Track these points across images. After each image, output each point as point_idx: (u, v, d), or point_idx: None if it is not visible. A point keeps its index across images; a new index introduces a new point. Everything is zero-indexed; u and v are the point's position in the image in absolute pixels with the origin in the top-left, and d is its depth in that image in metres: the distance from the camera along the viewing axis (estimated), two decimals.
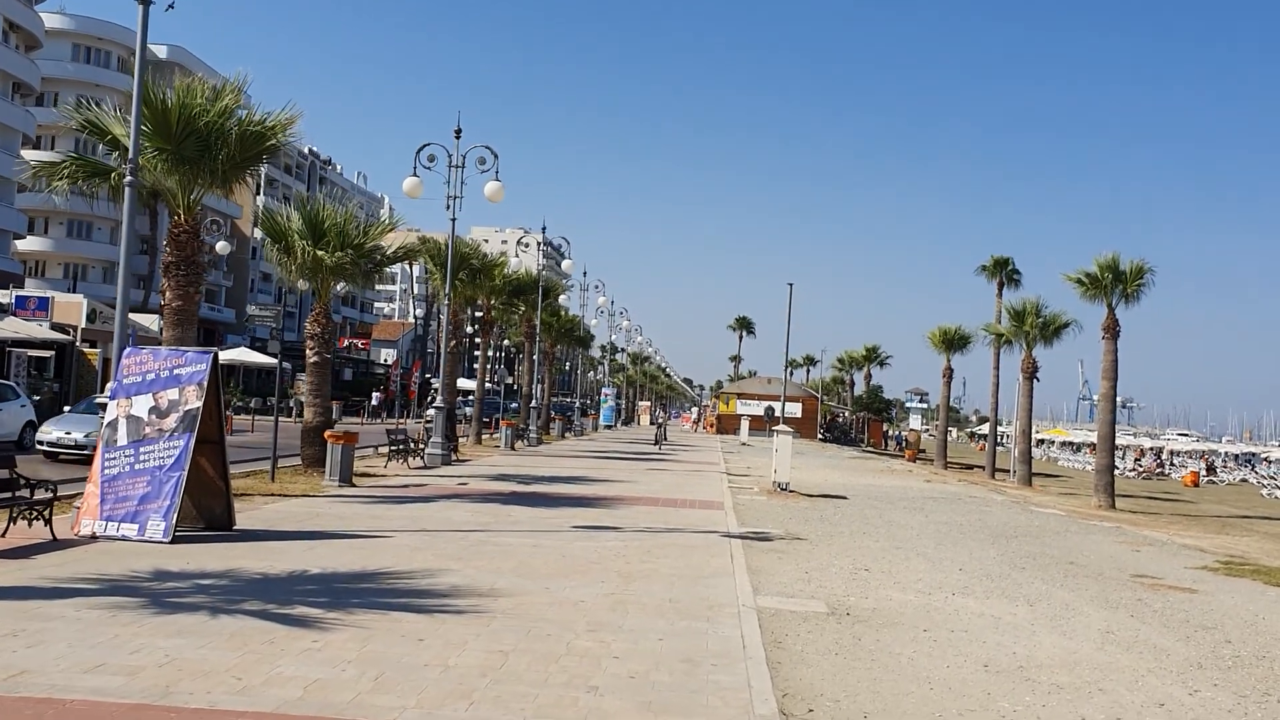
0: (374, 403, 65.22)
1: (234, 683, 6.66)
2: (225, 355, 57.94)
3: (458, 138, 28.73)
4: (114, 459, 12.80)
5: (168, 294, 17.89)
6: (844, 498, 25.18)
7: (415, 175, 27.74)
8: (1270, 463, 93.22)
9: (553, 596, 10.22)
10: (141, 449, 12.80)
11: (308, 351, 23.29)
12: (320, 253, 22.20)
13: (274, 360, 63.65)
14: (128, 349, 13.58)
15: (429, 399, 49.20)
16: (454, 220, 28.59)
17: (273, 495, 18.22)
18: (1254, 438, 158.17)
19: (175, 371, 13.24)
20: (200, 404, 13.00)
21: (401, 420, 58.29)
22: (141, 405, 13.06)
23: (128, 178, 13.74)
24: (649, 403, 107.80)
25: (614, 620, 9.26)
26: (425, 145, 28.16)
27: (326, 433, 21.17)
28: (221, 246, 42.95)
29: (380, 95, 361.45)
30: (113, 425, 13.01)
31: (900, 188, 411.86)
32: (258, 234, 60.44)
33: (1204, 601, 12.79)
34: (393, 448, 26.11)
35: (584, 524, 16.32)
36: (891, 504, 24.49)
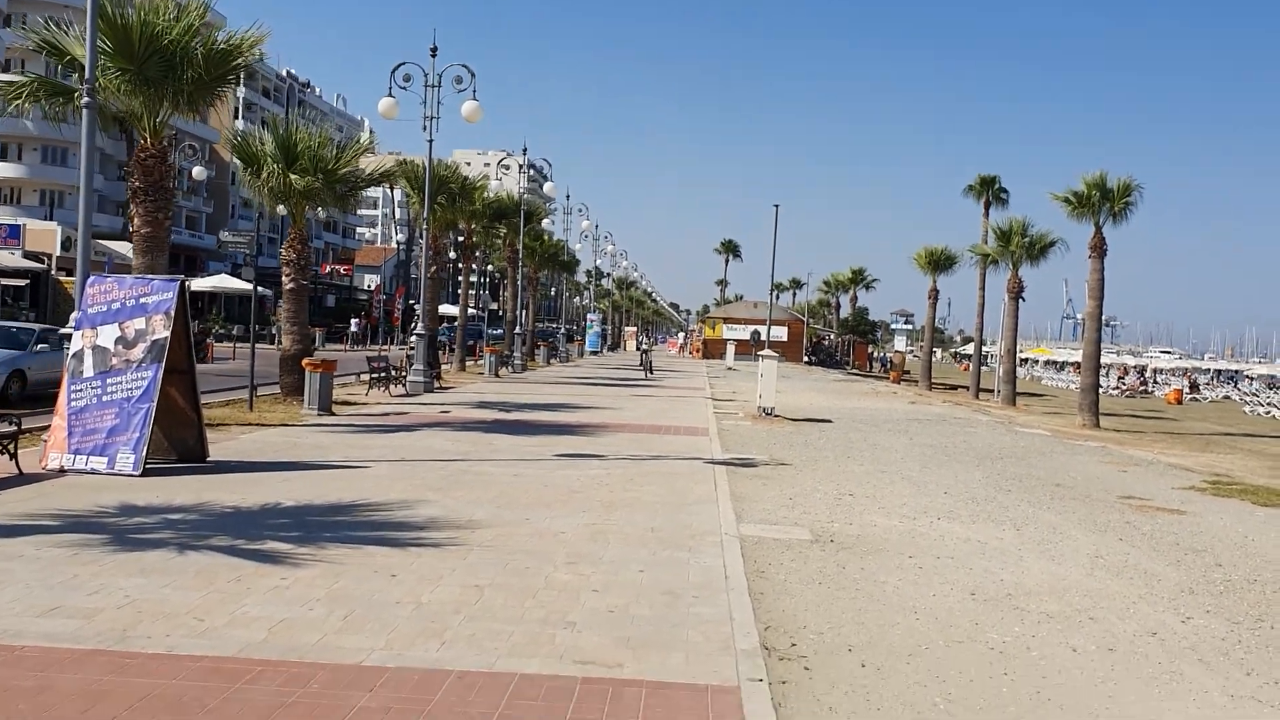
0: (354, 330, 64.37)
1: (195, 624, 6.40)
2: (206, 283, 57.39)
3: (434, 56, 27.99)
4: (80, 391, 12.45)
5: (136, 220, 17.43)
6: (829, 421, 25.03)
7: (391, 96, 27.12)
8: (1252, 379, 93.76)
9: (532, 528, 9.99)
10: (108, 380, 12.45)
11: (284, 278, 22.84)
12: (293, 176, 21.63)
13: (262, 289, 63.35)
14: (92, 277, 13.16)
15: (412, 325, 48.75)
16: (431, 142, 27.95)
17: (250, 425, 17.93)
18: (1236, 355, 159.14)
19: (141, 300, 12.84)
20: (168, 333, 12.64)
21: (385, 347, 57.89)
22: (107, 335, 12.68)
23: (84, 99, 13.18)
24: (635, 328, 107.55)
25: (594, 551, 9.04)
26: (401, 64, 27.50)
27: (304, 360, 20.83)
28: (198, 172, 42.01)
29: (359, 16, 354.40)
30: (78, 356, 12.63)
31: (888, 110, 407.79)
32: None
33: (1193, 523, 12.67)
34: (374, 375, 25.78)
35: (567, 452, 16.09)
36: (876, 427, 24.36)
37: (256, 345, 22.19)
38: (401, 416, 20.74)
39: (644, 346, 48.47)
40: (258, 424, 18.20)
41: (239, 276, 64.37)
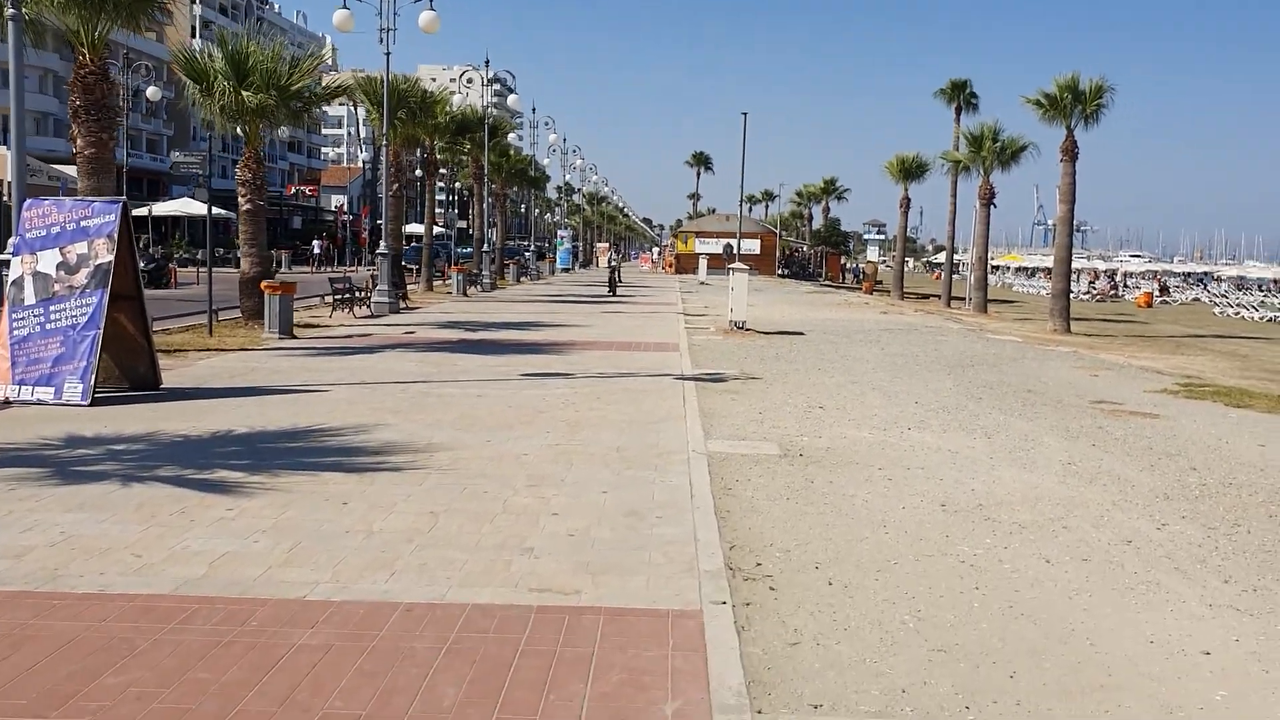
0: (316, 251, 63.04)
1: (132, 561, 6.10)
2: (169, 207, 56.19)
3: None
4: (22, 319, 11.99)
5: (79, 141, 16.83)
6: (800, 334, 24.80)
7: (346, 8, 26.25)
8: (1221, 280, 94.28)
9: (494, 450, 9.71)
10: (51, 308, 11.99)
11: (240, 199, 22.23)
12: (245, 94, 20.89)
13: (221, 211, 61.89)
14: (28, 200, 12.61)
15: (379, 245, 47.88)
16: (388, 55, 27.19)
17: (208, 350, 17.52)
18: (1205, 257, 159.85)
19: (82, 224, 12.33)
20: (112, 258, 12.16)
21: (353, 268, 57.11)
22: (48, 261, 12.19)
23: (10, 11, 12.50)
24: (607, 244, 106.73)
25: (557, 473, 8.77)
26: None
27: (263, 283, 20.33)
28: (152, 92, 41.01)
29: None
30: (18, 284, 12.15)
31: (856, 18, 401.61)
32: None
33: (1166, 427, 12.53)
34: (337, 297, 25.29)
35: (533, 371, 15.79)
36: (848, 338, 24.16)
37: (218, 269, 21.65)
38: (365, 338, 20.34)
39: (613, 262, 45.79)
40: (216, 349, 17.79)
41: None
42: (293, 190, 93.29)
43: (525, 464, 9.09)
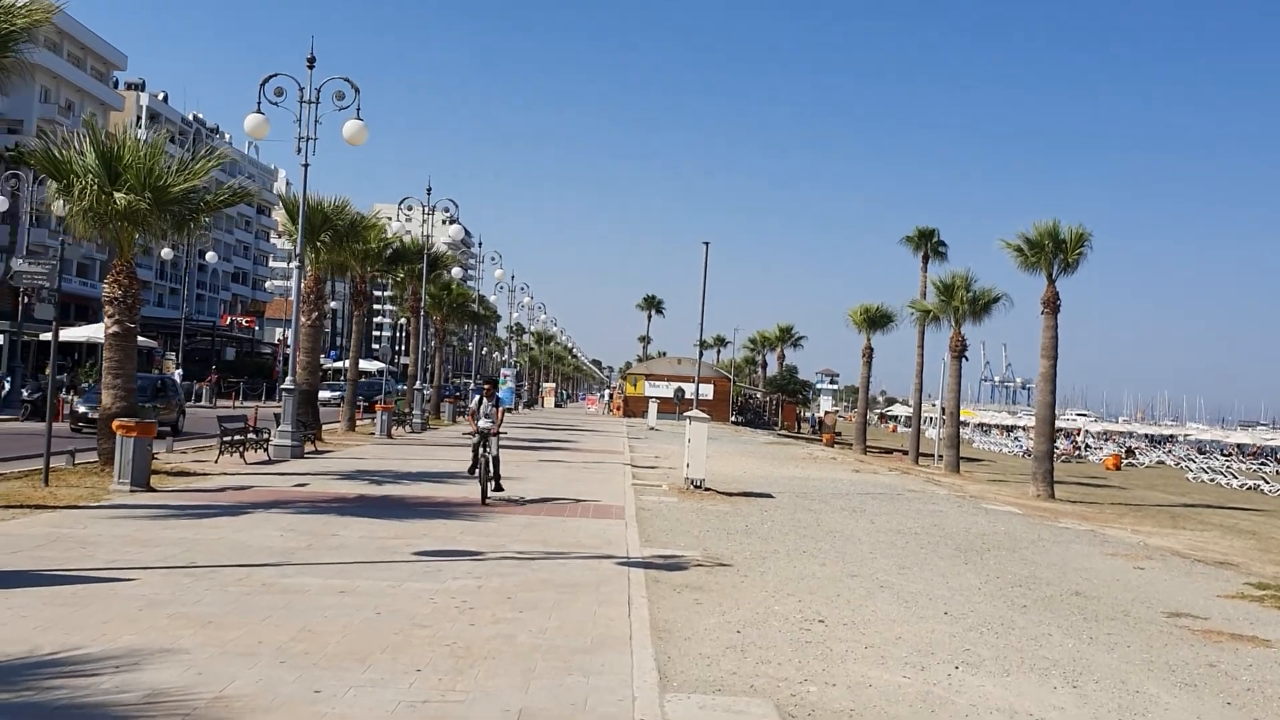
0: (196, 386, 53.56)
1: None
2: (79, 332, 51.68)
3: (311, 68, 24.11)
4: None
5: None
6: (769, 495, 21.23)
7: (260, 112, 23.12)
8: (1184, 443, 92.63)
9: (315, 715, 5.95)
10: None
11: (106, 320, 18.57)
12: (117, 194, 17.45)
13: (149, 340, 57.62)
14: None
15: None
16: (305, 166, 23.99)
17: (24, 507, 13.61)
18: (1147, 418, 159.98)
19: None
20: None
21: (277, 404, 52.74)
22: None
23: None
24: (554, 384, 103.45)
25: None
26: (272, 76, 23.57)
27: (115, 423, 16.51)
28: (58, 206, 37.20)
29: (277, 65, 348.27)
30: None
31: (812, 166, 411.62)
32: None
33: None
34: (224, 439, 21.37)
35: (432, 548, 12.02)
36: (825, 503, 20.61)
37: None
38: (240, 493, 16.47)
39: (483, 410, 17.65)
40: (37, 505, 13.89)
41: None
42: (228, 320, 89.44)
43: None
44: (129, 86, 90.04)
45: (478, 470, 17.09)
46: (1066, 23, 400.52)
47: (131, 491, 15.67)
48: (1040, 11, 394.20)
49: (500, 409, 17.99)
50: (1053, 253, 33.41)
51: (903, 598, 10.83)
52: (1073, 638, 9.45)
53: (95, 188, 17.18)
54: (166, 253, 55.51)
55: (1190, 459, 71.10)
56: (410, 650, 7.47)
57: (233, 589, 9.19)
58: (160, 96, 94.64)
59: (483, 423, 17.27)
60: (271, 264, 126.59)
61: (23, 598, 8.46)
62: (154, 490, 16.08)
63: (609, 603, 9.47)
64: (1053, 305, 33.44)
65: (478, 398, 17.93)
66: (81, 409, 28.93)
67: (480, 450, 17.06)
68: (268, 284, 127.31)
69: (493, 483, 17.15)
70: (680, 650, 8.00)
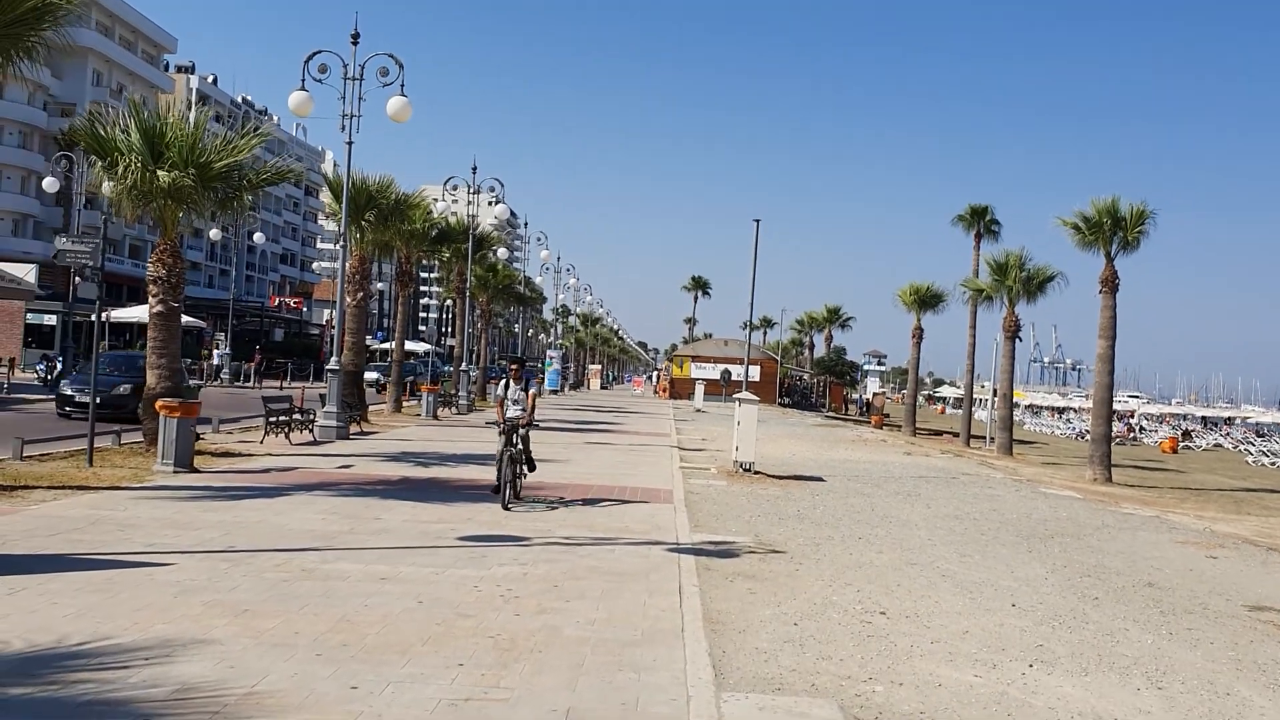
0: (216, 361, 51.28)
1: None
2: (130, 313, 52.03)
3: (355, 44, 23.81)
4: None
5: None
6: (820, 479, 20.72)
7: (304, 89, 22.88)
8: (1242, 425, 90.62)
9: (350, 715, 5.60)
10: None
11: (150, 299, 18.43)
12: (160, 171, 17.26)
13: (198, 321, 57.86)
14: None
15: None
16: (350, 144, 23.70)
17: (68, 488, 13.46)
18: (1200, 400, 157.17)
19: None
20: None
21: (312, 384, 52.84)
22: None
23: None
24: (600, 365, 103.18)
25: None
26: (316, 53, 23.34)
27: (158, 402, 16.34)
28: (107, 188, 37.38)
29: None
30: None
31: (861, 145, 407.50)
32: None
33: None
34: (270, 420, 21.22)
35: (476, 532, 11.69)
36: (878, 486, 20.08)
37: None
38: (283, 475, 16.24)
39: (510, 396, 14.44)
40: (81, 486, 13.72)
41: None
42: (276, 302, 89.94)
43: None
44: (179, 69, 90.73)
45: (501, 483, 13.67)
46: None
47: (175, 472, 15.49)
48: None
49: (531, 393, 14.45)
50: (1111, 231, 32.50)
51: (966, 588, 10.33)
52: (1151, 633, 8.92)
53: (139, 165, 17.00)
54: (215, 234, 55.80)
55: (1249, 442, 69.47)
56: (452, 642, 7.12)
57: (270, 575, 8.90)
58: (210, 79, 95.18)
59: (512, 411, 14.20)
60: (319, 245, 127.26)
61: (56, 583, 8.21)
62: (197, 471, 15.90)
63: (659, 592, 9.07)
64: (1111, 284, 32.55)
65: (504, 380, 14.54)
66: (68, 391, 25.25)
67: (506, 453, 13.77)
68: (315, 265, 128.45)
69: (524, 468, 14.25)
70: (735, 644, 7.59)
